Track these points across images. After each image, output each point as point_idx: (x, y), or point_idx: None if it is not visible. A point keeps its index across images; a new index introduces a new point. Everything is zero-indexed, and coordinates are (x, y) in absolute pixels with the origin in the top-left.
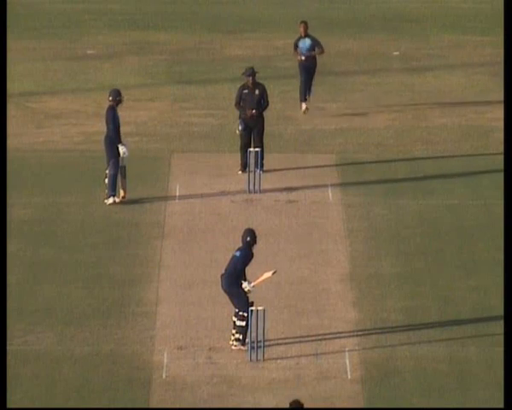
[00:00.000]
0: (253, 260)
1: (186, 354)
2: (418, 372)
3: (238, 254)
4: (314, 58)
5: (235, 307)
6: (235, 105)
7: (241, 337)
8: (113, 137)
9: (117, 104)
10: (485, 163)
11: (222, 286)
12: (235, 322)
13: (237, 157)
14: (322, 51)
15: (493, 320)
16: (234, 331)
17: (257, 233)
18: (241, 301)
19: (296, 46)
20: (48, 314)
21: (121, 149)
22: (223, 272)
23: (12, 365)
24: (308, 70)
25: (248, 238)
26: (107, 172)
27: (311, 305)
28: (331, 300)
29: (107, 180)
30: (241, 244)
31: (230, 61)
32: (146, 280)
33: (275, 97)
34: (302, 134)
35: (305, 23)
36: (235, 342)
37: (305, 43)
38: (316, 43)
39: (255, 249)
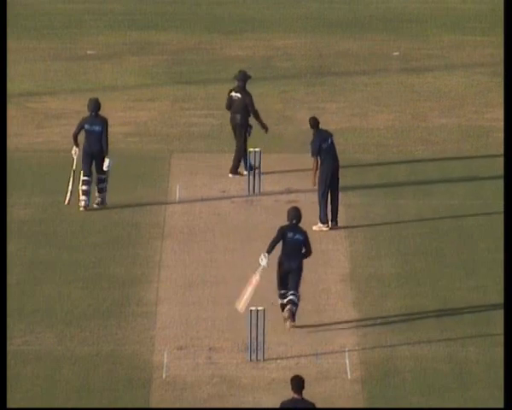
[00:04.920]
0: (252, 261)
1: (186, 354)
2: (418, 372)
3: (300, 237)
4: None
5: (294, 285)
6: (227, 108)
7: (294, 309)
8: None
9: (90, 113)
10: (485, 163)
11: (289, 266)
12: (285, 303)
13: None
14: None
15: (493, 320)
16: (286, 310)
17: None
18: (300, 282)
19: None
20: (48, 314)
21: (73, 150)
22: (285, 253)
23: (12, 365)
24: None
25: (296, 220)
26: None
27: (311, 305)
28: (331, 300)
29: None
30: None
31: (230, 61)
32: (146, 280)
33: (275, 97)
34: (302, 134)
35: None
36: (288, 306)
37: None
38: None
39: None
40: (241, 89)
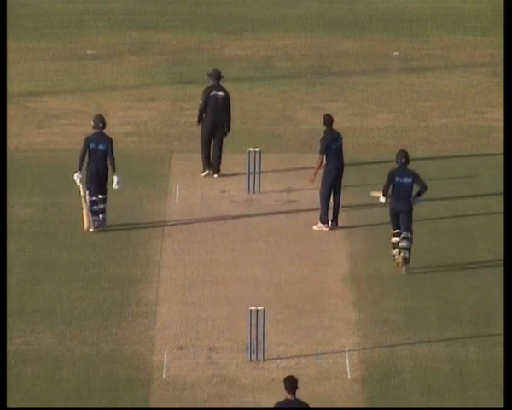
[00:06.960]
0: (252, 260)
1: (186, 354)
2: (418, 372)
3: (408, 180)
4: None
5: (407, 226)
6: (203, 108)
7: (407, 255)
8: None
9: (95, 130)
10: (485, 163)
11: (398, 208)
12: (397, 246)
13: (237, 157)
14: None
15: (493, 320)
16: (398, 250)
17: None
18: (412, 222)
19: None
20: (48, 314)
21: (76, 176)
22: (394, 196)
23: (12, 365)
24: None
25: (404, 160)
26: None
27: (311, 305)
28: (331, 300)
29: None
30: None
31: (230, 61)
32: (146, 280)
33: (275, 97)
34: (302, 134)
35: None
36: (401, 253)
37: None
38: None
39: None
40: (221, 87)
